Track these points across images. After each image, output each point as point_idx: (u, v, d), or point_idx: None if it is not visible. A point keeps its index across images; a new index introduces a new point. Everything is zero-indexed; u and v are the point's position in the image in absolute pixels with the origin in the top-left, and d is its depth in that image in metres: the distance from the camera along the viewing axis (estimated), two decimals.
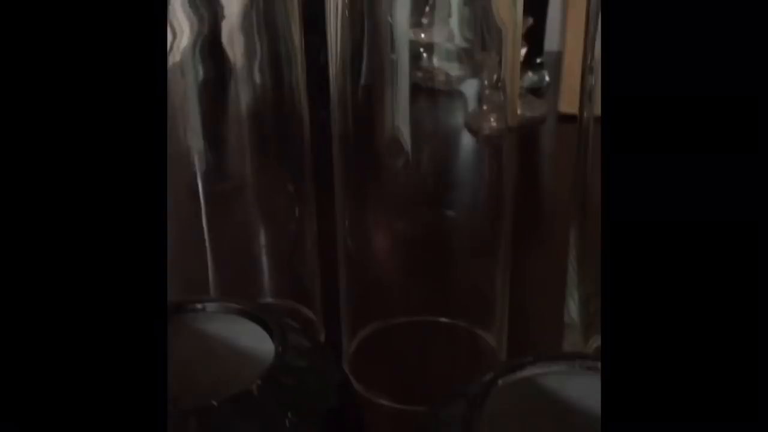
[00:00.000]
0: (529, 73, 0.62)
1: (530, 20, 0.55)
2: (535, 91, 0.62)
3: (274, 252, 0.32)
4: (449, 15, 0.28)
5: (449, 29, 0.28)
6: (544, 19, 0.62)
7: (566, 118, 0.56)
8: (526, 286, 0.31)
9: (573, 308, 0.28)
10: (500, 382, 0.17)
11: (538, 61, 0.63)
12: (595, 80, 0.28)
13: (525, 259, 0.33)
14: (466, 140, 0.30)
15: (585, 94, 0.27)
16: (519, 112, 0.59)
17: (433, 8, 0.28)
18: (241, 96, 0.29)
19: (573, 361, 0.18)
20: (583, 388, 0.18)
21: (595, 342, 0.29)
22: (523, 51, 0.57)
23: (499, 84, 0.29)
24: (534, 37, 0.59)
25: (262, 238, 0.31)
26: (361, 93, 0.26)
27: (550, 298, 0.29)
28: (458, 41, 0.28)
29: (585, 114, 0.28)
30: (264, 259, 0.32)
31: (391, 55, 0.25)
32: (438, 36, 0.29)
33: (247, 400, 0.17)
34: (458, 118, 0.30)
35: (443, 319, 0.30)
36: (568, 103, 0.62)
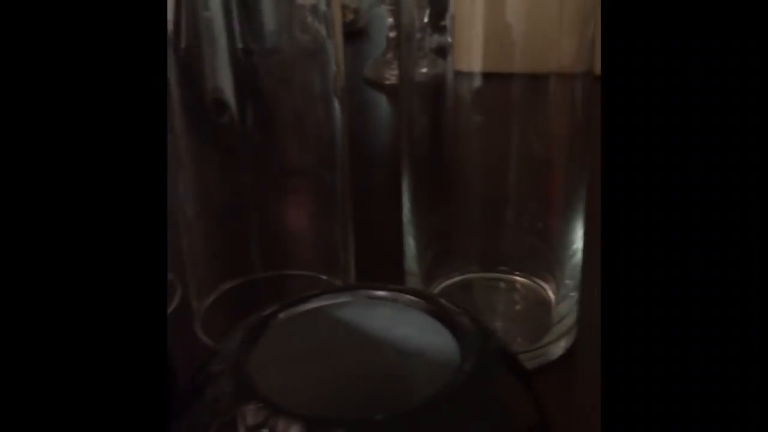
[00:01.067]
0: (435, 35, 0.63)
1: None
2: (440, 51, 0.63)
3: None
4: None
5: None
6: None
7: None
8: (372, 236, 0.32)
9: (410, 257, 0.29)
10: (281, 314, 0.18)
11: (442, 23, 0.64)
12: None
13: (369, 209, 0.34)
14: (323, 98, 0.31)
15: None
16: (424, 70, 0.60)
17: None
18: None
19: (357, 292, 0.19)
20: (366, 319, 0.19)
21: (437, 287, 0.30)
22: (427, 12, 0.58)
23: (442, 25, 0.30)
24: None
25: None
26: (184, 55, 0.26)
27: (392, 247, 0.30)
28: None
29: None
30: None
31: (205, 13, 0.25)
32: None
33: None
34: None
35: (291, 272, 0.31)
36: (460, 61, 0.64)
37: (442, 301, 0.18)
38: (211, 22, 0.25)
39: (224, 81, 0.26)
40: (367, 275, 0.31)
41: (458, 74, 0.31)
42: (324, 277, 0.31)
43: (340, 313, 0.19)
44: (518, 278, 0.30)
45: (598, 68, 0.19)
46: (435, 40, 0.64)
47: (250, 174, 0.28)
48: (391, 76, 0.62)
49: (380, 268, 0.30)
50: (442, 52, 0.67)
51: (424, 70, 0.62)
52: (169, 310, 0.31)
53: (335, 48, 0.28)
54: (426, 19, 0.58)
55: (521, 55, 0.27)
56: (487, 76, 0.29)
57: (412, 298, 0.18)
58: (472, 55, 0.31)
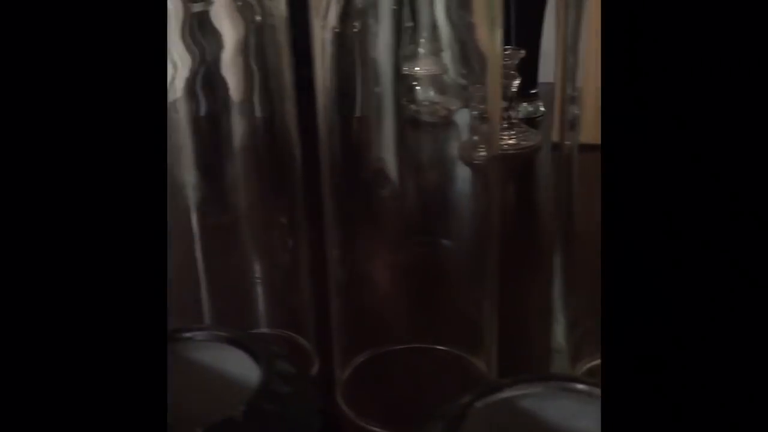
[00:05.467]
0: (524, 104, 0.62)
1: (522, 52, 0.56)
2: (530, 121, 0.63)
3: (269, 282, 0.32)
4: (440, 48, 0.29)
5: (440, 61, 0.29)
6: (537, 50, 0.63)
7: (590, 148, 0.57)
8: (516, 312, 0.32)
9: (560, 333, 0.28)
10: (477, 403, 0.18)
11: (532, 91, 0.64)
12: (580, 109, 0.29)
13: (515, 285, 0.33)
14: (456, 170, 0.31)
15: (565, 123, 0.28)
16: (513, 141, 0.60)
17: (423, 42, 0.29)
18: (235, 130, 0.30)
19: (549, 383, 0.18)
20: (559, 410, 0.18)
21: (583, 366, 0.29)
22: (517, 82, 0.58)
23: (484, 114, 0.30)
24: (527, 68, 0.60)
25: (257, 269, 0.32)
26: (347, 125, 0.27)
27: (539, 324, 0.29)
28: (451, 73, 0.29)
29: (567, 142, 0.28)
30: (258, 290, 0.32)
31: (376, 88, 0.26)
32: (428, 68, 0.30)
33: (232, 427, 0.17)
34: (450, 149, 0.31)
35: (434, 346, 0.30)
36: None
37: None
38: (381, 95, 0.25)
39: (387, 152, 0.26)
40: (509, 353, 0.30)
41: (583, 147, 0.31)
42: (464, 355, 0.30)
43: (531, 404, 0.18)
44: None
45: None
46: (524, 109, 0.65)
47: (408, 245, 0.28)
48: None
49: (524, 346, 0.29)
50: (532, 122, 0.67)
51: (512, 141, 0.62)
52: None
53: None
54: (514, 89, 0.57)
55: None
56: None
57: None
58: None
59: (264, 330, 0.33)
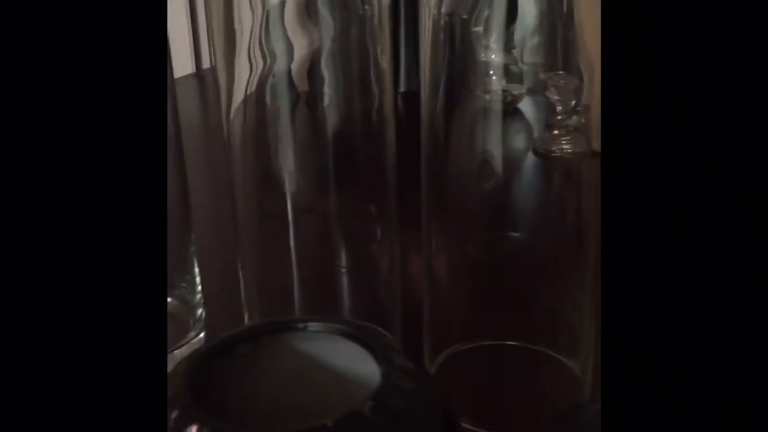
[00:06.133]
0: (575, 116, 0.62)
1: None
2: (579, 130, 0.62)
3: (357, 273, 0.32)
4: (533, 38, 0.28)
5: (518, 52, 0.28)
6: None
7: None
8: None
9: None
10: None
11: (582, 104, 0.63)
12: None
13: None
14: (541, 165, 0.30)
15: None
16: (567, 147, 0.59)
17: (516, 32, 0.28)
18: (329, 119, 0.30)
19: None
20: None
21: None
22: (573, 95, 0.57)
23: (578, 109, 0.30)
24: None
25: (345, 259, 0.32)
26: (449, 116, 0.26)
27: None
28: (527, 63, 0.29)
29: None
30: (346, 281, 0.32)
31: (481, 79, 0.25)
32: (507, 58, 0.29)
33: (360, 421, 0.17)
34: (530, 141, 0.30)
35: (526, 345, 0.30)
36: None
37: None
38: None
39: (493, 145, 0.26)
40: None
41: None
42: (557, 356, 0.30)
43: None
44: None
45: None
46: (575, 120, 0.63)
47: (506, 241, 0.28)
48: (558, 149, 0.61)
49: None
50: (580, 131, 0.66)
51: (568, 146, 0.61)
52: None
53: None
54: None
55: None
56: None
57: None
58: None
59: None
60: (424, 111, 0.27)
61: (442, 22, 0.27)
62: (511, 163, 0.29)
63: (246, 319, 0.31)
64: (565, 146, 0.64)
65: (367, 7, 0.28)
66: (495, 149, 0.28)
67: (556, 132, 0.60)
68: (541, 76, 0.30)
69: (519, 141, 0.30)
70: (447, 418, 0.19)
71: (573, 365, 0.29)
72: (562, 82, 0.31)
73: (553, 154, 0.69)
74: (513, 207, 0.29)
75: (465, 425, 0.28)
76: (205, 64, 0.88)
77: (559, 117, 0.33)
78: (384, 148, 0.30)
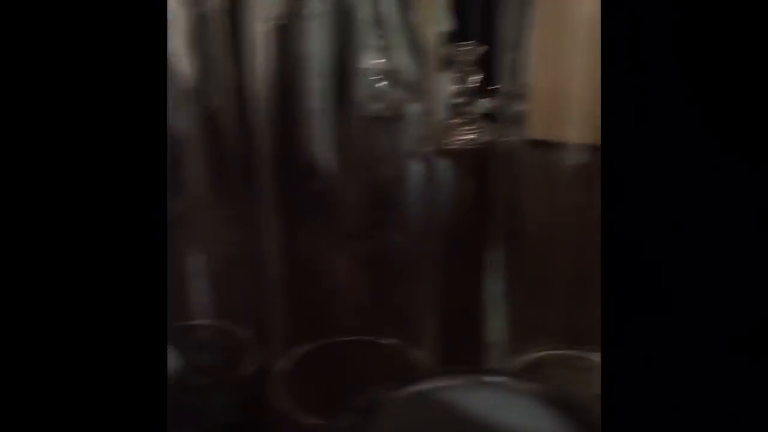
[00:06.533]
0: (483, 99, 0.63)
1: (482, 48, 0.57)
2: (490, 116, 0.63)
3: (212, 274, 0.32)
4: (392, 43, 0.29)
5: (394, 56, 0.29)
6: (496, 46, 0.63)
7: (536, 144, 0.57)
8: (460, 305, 0.32)
9: (496, 327, 0.28)
10: (394, 395, 0.18)
11: (491, 87, 0.64)
12: (528, 105, 0.29)
13: (459, 279, 0.34)
14: (408, 164, 0.31)
15: (506, 119, 0.28)
16: (472, 137, 0.60)
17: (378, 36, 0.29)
18: (181, 121, 0.30)
19: (471, 377, 0.18)
20: (477, 402, 0.18)
21: (521, 360, 0.29)
22: (478, 78, 0.58)
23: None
24: (487, 64, 0.60)
25: (199, 260, 0.32)
26: (280, 119, 0.27)
27: (479, 317, 0.29)
28: (404, 67, 0.29)
29: (509, 138, 0.29)
30: (202, 281, 0.32)
31: (312, 82, 0.26)
32: (381, 62, 0.29)
33: None
34: (402, 143, 0.31)
35: (375, 338, 0.30)
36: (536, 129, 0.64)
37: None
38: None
39: (320, 146, 0.26)
40: (446, 345, 0.30)
41: (536, 143, 0.31)
42: (401, 344, 0.30)
43: (449, 397, 0.18)
44: None
45: None
46: (483, 105, 0.65)
47: (349, 239, 0.28)
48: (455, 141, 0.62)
49: (458, 338, 0.29)
50: (490, 117, 0.67)
51: (472, 136, 0.62)
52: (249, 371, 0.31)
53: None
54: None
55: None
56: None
57: (521, 383, 0.18)
58: (552, 124, 0.31)
59: (205, 321, 0.33)
60: (258, 116, 0.28)
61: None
62: (364, 163, 0.29)
63: None
64: (467, 137, 0.64)
65: None
66: (349, 151, 0.29)
67: (456, 121, 0.60)
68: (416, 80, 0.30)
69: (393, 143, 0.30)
70: None
71: (420, 355, 0.30)
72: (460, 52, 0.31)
73: (448, 147, 0.69)
74: (365, 205, 0.29)
75: (308, 420, 0.28)
76: None
77: (460, 100, 0.33)
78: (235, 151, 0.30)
